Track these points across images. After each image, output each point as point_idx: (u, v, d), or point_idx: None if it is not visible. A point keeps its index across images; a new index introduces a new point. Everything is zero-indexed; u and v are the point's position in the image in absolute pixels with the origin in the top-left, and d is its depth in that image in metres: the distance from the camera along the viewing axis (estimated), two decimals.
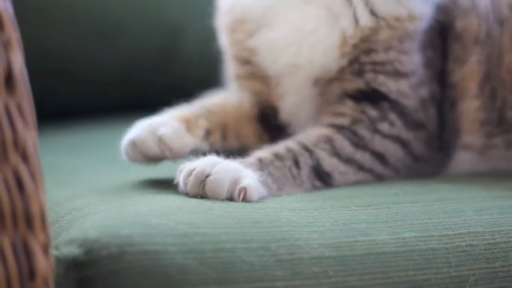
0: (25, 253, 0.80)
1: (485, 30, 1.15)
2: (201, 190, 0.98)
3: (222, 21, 1.19)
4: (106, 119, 1.58)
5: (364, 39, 1.11)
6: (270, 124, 1.17)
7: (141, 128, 1.07)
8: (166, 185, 1.03)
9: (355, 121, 1.10)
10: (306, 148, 1.07)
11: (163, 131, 1.06)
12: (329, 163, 1.07)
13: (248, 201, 0.98)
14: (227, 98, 1.18)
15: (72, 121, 1.58)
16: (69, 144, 1.46)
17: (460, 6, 1.15)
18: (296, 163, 1.05)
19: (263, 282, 0.87)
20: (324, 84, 1.12)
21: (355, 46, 1.11)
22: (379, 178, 1.10)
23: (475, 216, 0.99)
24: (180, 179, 1.00)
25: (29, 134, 0.81)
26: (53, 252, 0.87)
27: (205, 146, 1.09)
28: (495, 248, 0.95)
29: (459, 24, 1.15)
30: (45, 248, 0.81)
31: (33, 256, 0.80)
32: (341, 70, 1.11)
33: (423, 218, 0.97)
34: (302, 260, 0.89)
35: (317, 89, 1.13)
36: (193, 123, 1.10)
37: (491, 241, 0.96)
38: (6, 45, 0.81)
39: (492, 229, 0.97)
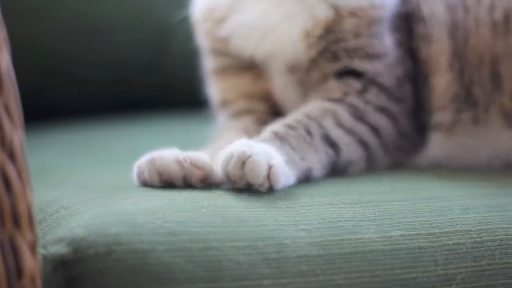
0: (12, 252, 0.80)
1: (451, 16, 1.18)
2: (241, 171, 0.96)
3: (196, 18, 1.21)
4: (95, 118, 1.58)
5: (329, 30, 1.14)
6: None
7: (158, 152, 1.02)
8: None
9: (346, 93, 1.14)
10: (314, 119, 1.10)
11: (188, 153, 1.02)
12: (336, 133, 1.10)
13: (274, 184, 0.97)
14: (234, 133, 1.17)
15: (61, 120, 1.58)
16: (58, 143, 1.46)
17: None
18: (308, 132, 1.08)
19: (250, 280, 0.87)
20: (302, 72, 1.16)
21: (321, 37, 1.14)
22: (370, 157, 1.13)
23: (462, 214, 0.99)
24: (219, 165, 0.98)
25: (16, 134, 0.81)
26: (41, 251, 0.87)
27: None
28: (481, 247, 0.96)
29: (425, 11, 1.18)
30: (33, 247, 0.81)
31: (21, 255, 0.80)
32: (313, 60, 1.15)
33: (410, 217, 0.98)
34: (289, 259, 0.89)
35: (295, 77, 1.16)
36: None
37: (478, 239, 0.96)
38: None
39: (479, 227, 0.98)
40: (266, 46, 1.15)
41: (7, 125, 0.81)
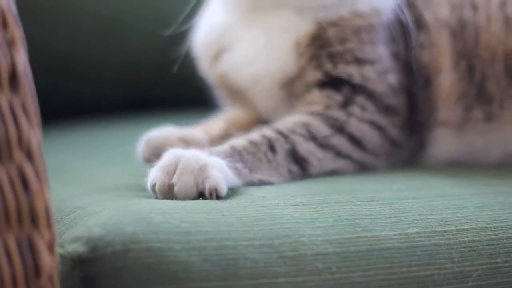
0: (30, 250, 0.81)
1: (458, 16, 1.18)
2: (173, 196, 0.98)
3: (196, 54, 1.25)
4: (110, 117, 1.59)
5: (315, 38, 1.15)
6: None
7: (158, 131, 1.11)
8: None
9: (327, 106, 1.13)
10: (282, 134, 1.09)
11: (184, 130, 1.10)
12: (305, 148, 1.09)
13: (219, 197, 0.98)
14: (232, 112, 1.23)
15: (76, 119, 1.58)
16: (73, 142, 1.46)
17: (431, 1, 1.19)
18: (272, 148, 1.07)
19: (266, 278, 0.87)
20: (289, 84, 1.16)
21: (308, 45, 1.15)
22: (359, 166, 1.12)
23: (478, 212, 0.99)
24: (148, 189, 1.00)
25: (34, 133, 0.81)
26: (58, 250, 0.87)
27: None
28: (497, 244, 0.96)
29: (428, 15, 1.18)
30: (50, 246, 0.81)
31: (38, 253, 0.81)
32: (301, 70, 1.15)
33: (425, 214, 0.98)
34: (305, 257, 0.89)
35: (285, 91, 1.16)
36: (210, 127, 1.16)
37: (494, 236, 0.96)
38: (10, 44, 0.82)
39: (494, 225, 0.98)
40: (257, 68, 1.16)
41: (24, 124, 0.81)
